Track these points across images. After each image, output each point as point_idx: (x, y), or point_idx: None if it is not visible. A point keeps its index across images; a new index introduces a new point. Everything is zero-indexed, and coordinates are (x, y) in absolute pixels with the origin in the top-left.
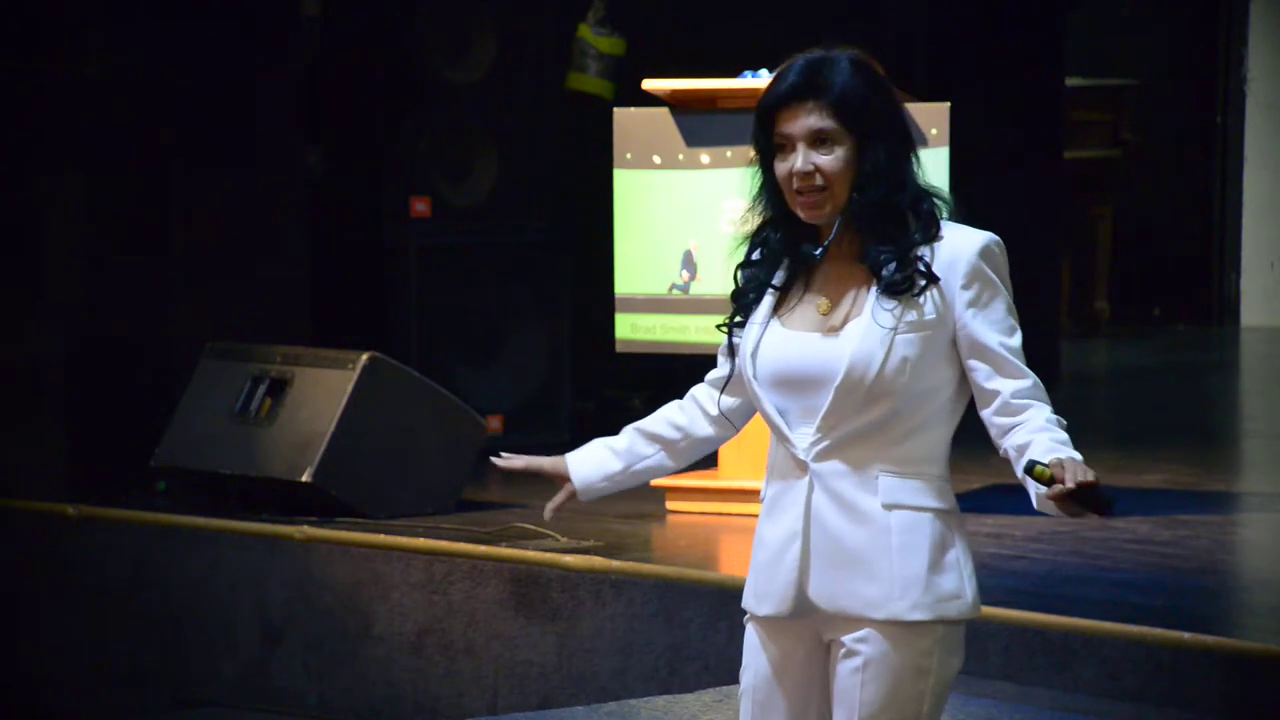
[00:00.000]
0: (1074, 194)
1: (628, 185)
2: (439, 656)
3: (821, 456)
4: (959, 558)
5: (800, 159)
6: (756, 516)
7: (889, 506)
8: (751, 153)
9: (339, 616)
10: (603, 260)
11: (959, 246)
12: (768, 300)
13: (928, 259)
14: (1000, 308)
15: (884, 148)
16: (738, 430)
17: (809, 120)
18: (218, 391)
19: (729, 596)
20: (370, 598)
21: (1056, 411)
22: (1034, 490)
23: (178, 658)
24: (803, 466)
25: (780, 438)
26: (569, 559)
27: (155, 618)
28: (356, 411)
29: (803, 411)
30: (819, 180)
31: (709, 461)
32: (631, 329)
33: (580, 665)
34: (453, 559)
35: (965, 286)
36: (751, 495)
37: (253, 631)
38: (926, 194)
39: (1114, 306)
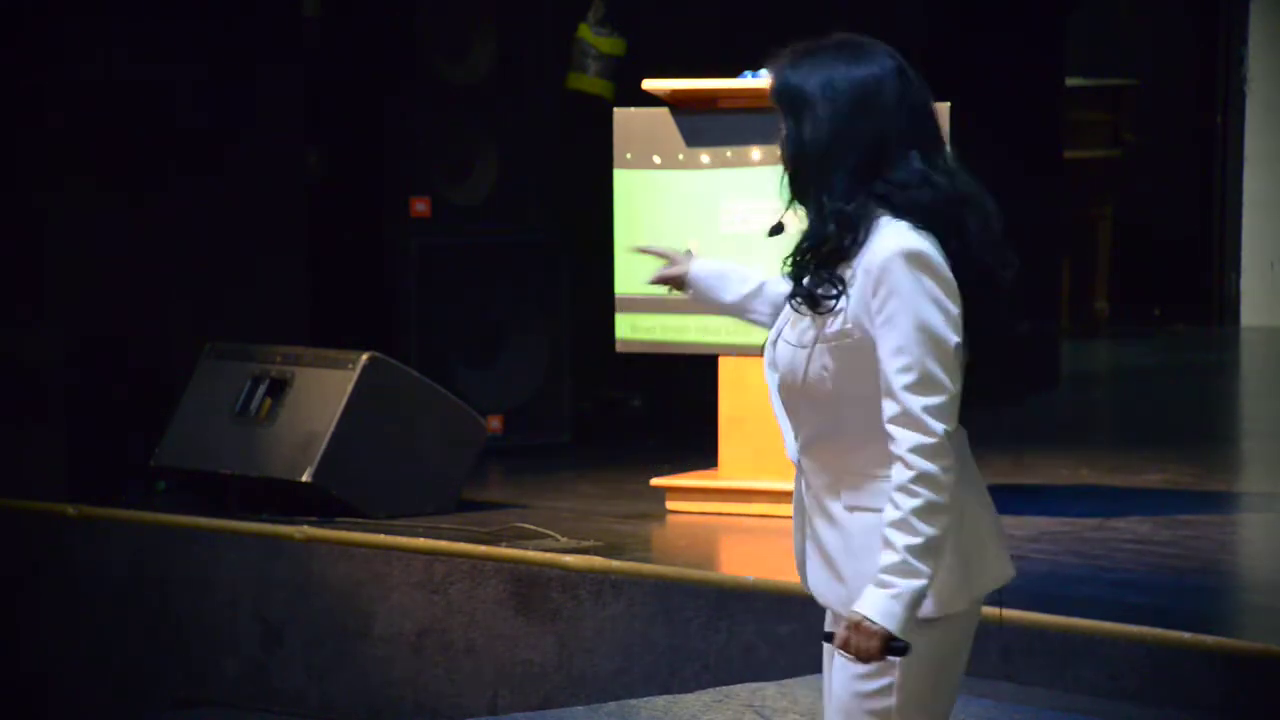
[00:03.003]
0: (1074, 194)
1: (628, 185)
2: (439, 656)
3: (801, 453)
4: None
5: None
6: (756, 516)
7: (850, 508)
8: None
9: (339, 616)
10: (603, 260)
11: (873, 253)
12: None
13: (849, 266)
14: (899, 322)
15: (798, 135)
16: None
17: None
18: (218, 391)
19: (729, 596)
20: (370, 598)
21: (1056, 413)
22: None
23: (178, 658)
24: (795, 459)
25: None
26: (569, 559)
27: (155, 618)
28: (356, 411)
29: (786, 412)
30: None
31: (709, 461)
32: (631, 329)
33: (580, 665)
34: (453, 559)
35: (874, 295)
36: (751, 495)
37: (253, 631)
38: (851, 190)
39: (1114, 306)
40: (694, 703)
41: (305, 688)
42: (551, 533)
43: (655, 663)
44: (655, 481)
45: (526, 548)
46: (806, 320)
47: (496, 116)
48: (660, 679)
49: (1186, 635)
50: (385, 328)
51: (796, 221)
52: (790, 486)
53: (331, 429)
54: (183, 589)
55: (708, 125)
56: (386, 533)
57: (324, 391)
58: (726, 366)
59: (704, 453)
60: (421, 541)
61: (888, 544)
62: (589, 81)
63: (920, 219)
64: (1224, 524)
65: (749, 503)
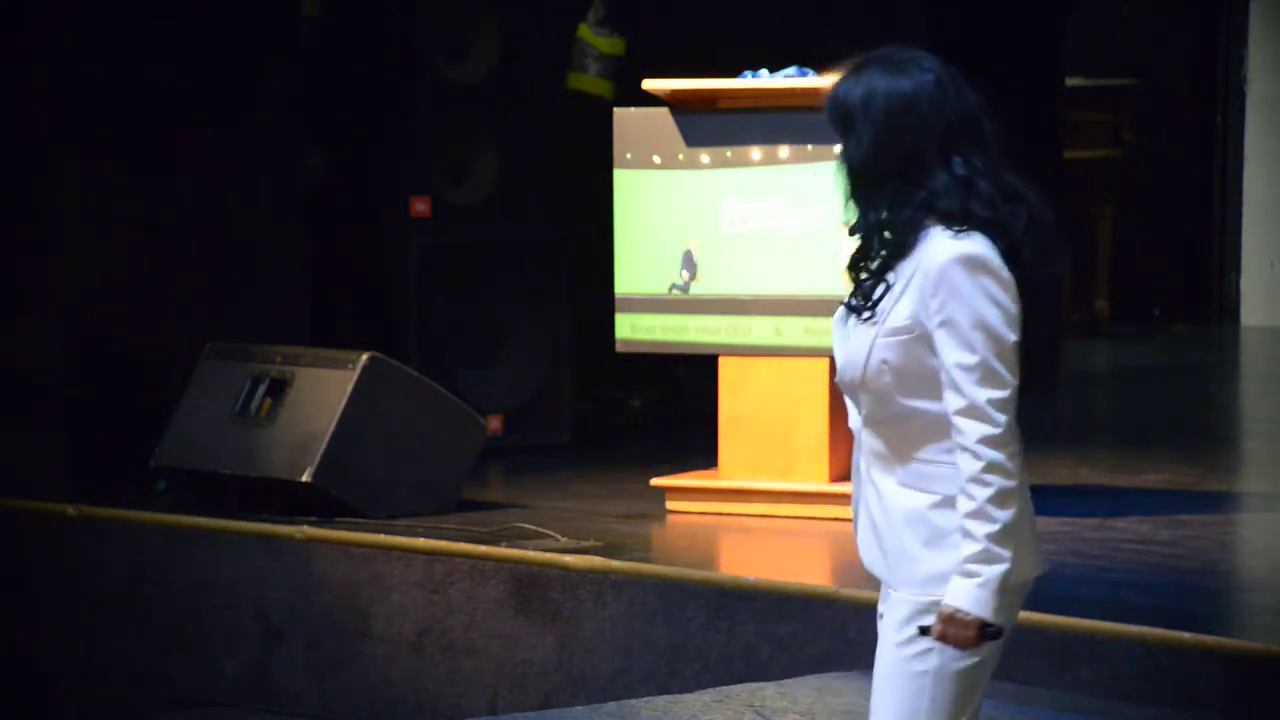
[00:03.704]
0: (1074, 194)
1: (628, 185)
2: (439, 656)
3: (864, 428)
4: (959, 541)
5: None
6: (756, 516)
7: (901, 485)
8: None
9: (339, 616)
10: (603, 260)
11: (933, 256)
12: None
13: (905, 264)
14: (962, 320)
15: (852, 149)
16: None
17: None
18: (218, 391)
19: (729, 596)
20: (370, 598)
21: (1057, 413)
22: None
23: (178, 658)
24: (858, 432)
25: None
26: (569, 559)
27: (155, 618)
28: (356, 411)
29: (846, 389)
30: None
31: (709, 461)
32: (631, 329)
33: (580, 665)
34: (453, 559)
35: (933, 296)
36: (751, 495)
37: (253, 631)
38: (903, 197)
39: (1114, 306)
40: (694, 703)
41: (305, 688)
42: (551, 533)
43: (655, 663)
44: (655, 481)
45: (526, 548)
46: (862, 318)
47: (496, 116)
48: (660, 679)
49: (1186, 635)
50: (385, 328)
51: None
52: (790, 486)
53: (331, 429)
54: (183, 589)
55: (708, 125)
56: (386, 533)
57: (324, 391)
58: (726, 366)
59: (704, 453)
60: (421, 541)
61: (968, 534)
62: (589, 81)
63: (966, 223)
64: (1224, 524)
65: (749, 503)
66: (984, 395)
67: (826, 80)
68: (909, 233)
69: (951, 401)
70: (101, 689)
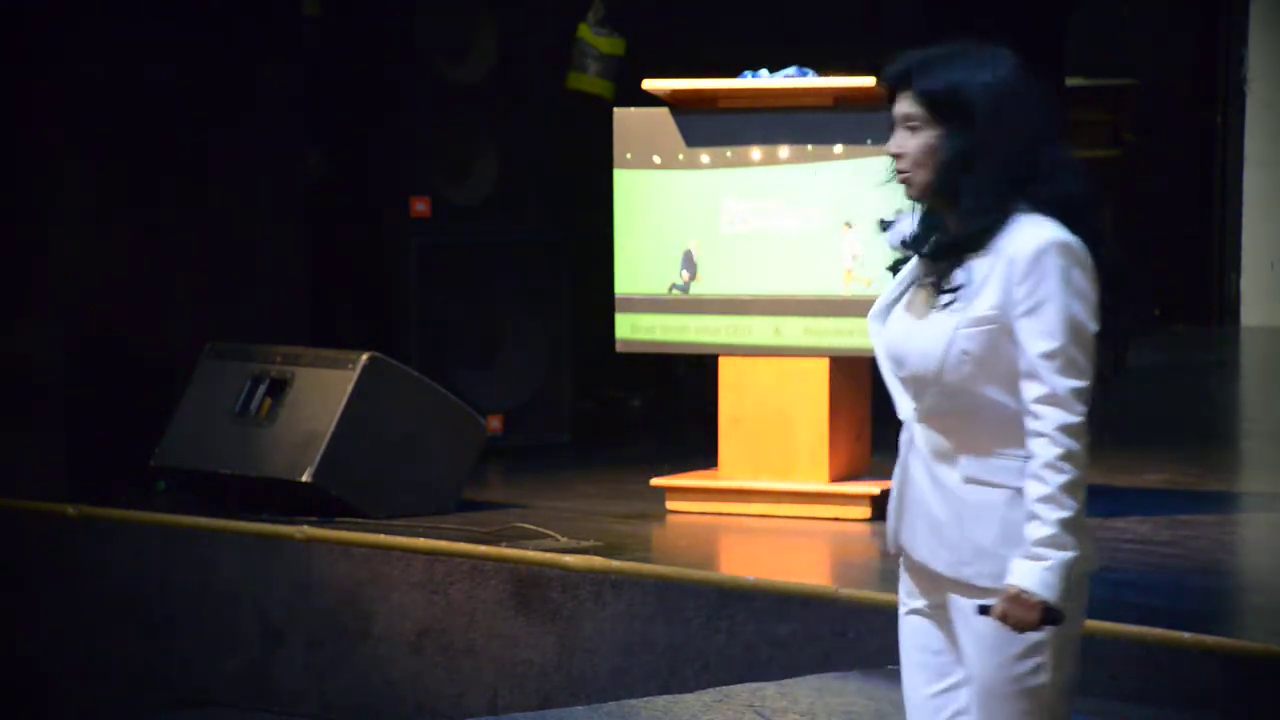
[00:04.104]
0: None
1: (628, 185)
2: (439, 656)
3: (919, 421)
4: (1028, 526)
5: (893, 141)
6: (756, 516)
7: (967, 480)
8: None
9: (339, 616)
10: (603, 260)
11: (1023, 243)
12: (905, 275)
13: (987, 255)
14: (1048, 309)
15: (958, 136)
16: None
17: (901, 107)
18: (218, 391)
19: (729, 596)
20: (370, 598)
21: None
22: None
23: (178, 658)
24: (908, 424)
25: (893, 397)
26: (569, 559)
27: (155, 618)
28: (356, 411)
29: (906, 383)
30: (904, 163)
31: (709, 461)
32: (631, 329)
33: (580, 665)
34: (453, 559)
35: (1020, 283)
36: (751, 495)
37: (253, 631)
38: (1002, 184)
39: None
40: (694, 703)
41: (305, 688)
42: (551, 533)
43: (655, 663)
44: (655, 481)
45: (526, 548)
46: (943, 306)
47: (496, 116)
48: (660, 679)
49: (1186, 635)
50: (385, 328)
51: (904, 217)
52: (790, 486)
53: (331, 429)
54: (183, 589)
55: (708, 125)
56: (386, 533)
57: (324, 391)
58: (726, 366)
59: (704, 453)
60: (421, 541)
61: (1037, 518)
62: (589, 81)
63: (1056, 212)
64: (1224, 524)
65: (749, 503)
66: (1065, 384)
67: (826, 81)
68: (1001, 221)
69: (1031, 389)
70: (101, 689)
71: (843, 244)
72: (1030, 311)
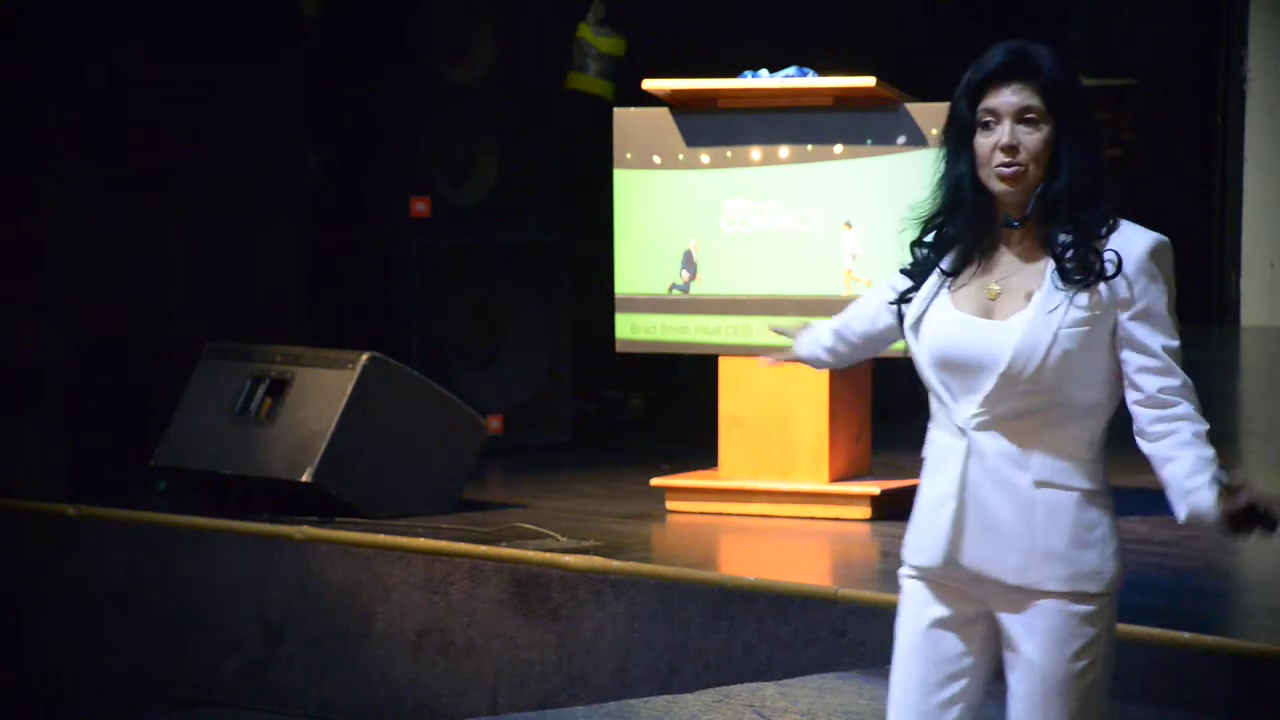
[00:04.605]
0: None
1: (628, 185)
2: (439, 656)
3: (980, 429)
4: (1103, 536)
5: (1007, 133)
6: (756, 516)
7: (1038, 484)
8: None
9: (339, 616)
10: (603, 260)
11: (1130, 243)
12: (934, 279)
13: (1105, 251)
14: (1161, 308)
15: (1081, 136)
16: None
17: (1018, 98)
18: (218, 391)
19: (729, 596)
20: (370, 598)
21: None
22: (1197, 505)
23: (178, 658)
24: (963, 433)
25: (943, 406)
26: (569, 559)
27: (155, 618)
28: (356, 411)
29: (965, 386)
30: (1021, 156)
31: (709, 461)
32: (631, 329)
33: (580, 665)
34: (453, 559)
35: (1134, 282)
36: (751, 495)
37: (253, 631)
38: (1110, 189)
39: None
40: (694, 703)
41: (305, 688)
42: (551, 533)
43: (655, 663)
44: (655, 481)
45: (526, 548)
46: (1036, 306)
47: (496, 116)
48: (660, 679)
49: (1186, 635)
50: (385, 328)
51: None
52: (790, 486)
53: (331, 429)
54: (183, 589)
55: (708, 125)
56: (386, 533)
57: (324, 391)
58: (726, 366)
59: (704, 453)
60: (421, 541)
61: (1206, 447)
62: (589, 81)
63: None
64: None
65: (749, 503)
66: (1186, 376)
67: (826, 81)
68: (1106, 223)
69: (1162, 380)
70: (101, 689)
71: (843, 244)
72: (1147, 310)
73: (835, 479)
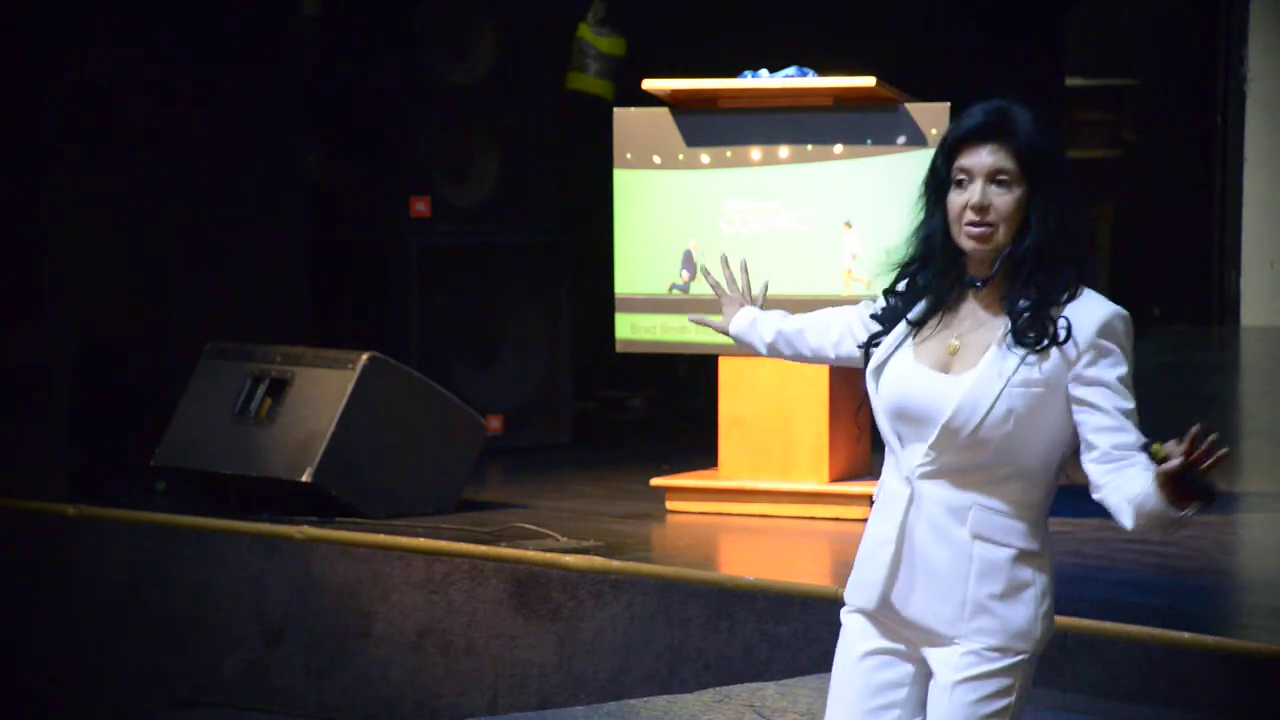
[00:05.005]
0: None
1: (628, 185)
2: (439, 656)
3: (924, 478)
4: (1035, 595)
5: (978, 193)
6: (756, 516)
7: (975, 537)
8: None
9: (339, 616)
10: (603, 260)
11: (1086, 313)
12: (901, 328)
13: (1061, 318)
14: (1112, 378)
15: (1051, 198)
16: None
17: (992, 159)
18: (218, 391)
19: (729, 596)
20: (370, 598)
21: None
22: (1140, 488)
23: (178, 658)
24: (908, 481)
25: (891, 453)
26: (569, 559)
27: (155, 618)
28: (356, 411)
29: (914, 436)
30: (991, 216)
31: (709, 461)
32: (631, 329)
33: (580, 665)
34: (453, 559)
35: (1087, 350)
36: (751, 495)
37: (253, 631)
38: (1079, 256)
39: None
40: (694, 703)
41: (305, 688)
42: (551, 533)
43: (655, 663)
44: (655, 481)
45: (526, 548)
46: (986, 363)
47: (496, 116)
48: (660, 679)
49: (1186, 635)
50: (385, 328)
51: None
52: (790, 486)
53: (331, 429)
54: (183, 589)
55: (708, 125)
56: (386, 533)
57: (324, 391)
58: (726, 366)
59: (704, 453)
60: (421, 541)
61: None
62: (589, 81)
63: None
64: (1224, 524)
65: (749, 503)
66: (1140, 434)
67: (826, 81)
68: (1067, 289)
69: (1121, 437)
70: (101, 689)
71: (843, 244)
72: (1101, 377)
73: (835, 479)
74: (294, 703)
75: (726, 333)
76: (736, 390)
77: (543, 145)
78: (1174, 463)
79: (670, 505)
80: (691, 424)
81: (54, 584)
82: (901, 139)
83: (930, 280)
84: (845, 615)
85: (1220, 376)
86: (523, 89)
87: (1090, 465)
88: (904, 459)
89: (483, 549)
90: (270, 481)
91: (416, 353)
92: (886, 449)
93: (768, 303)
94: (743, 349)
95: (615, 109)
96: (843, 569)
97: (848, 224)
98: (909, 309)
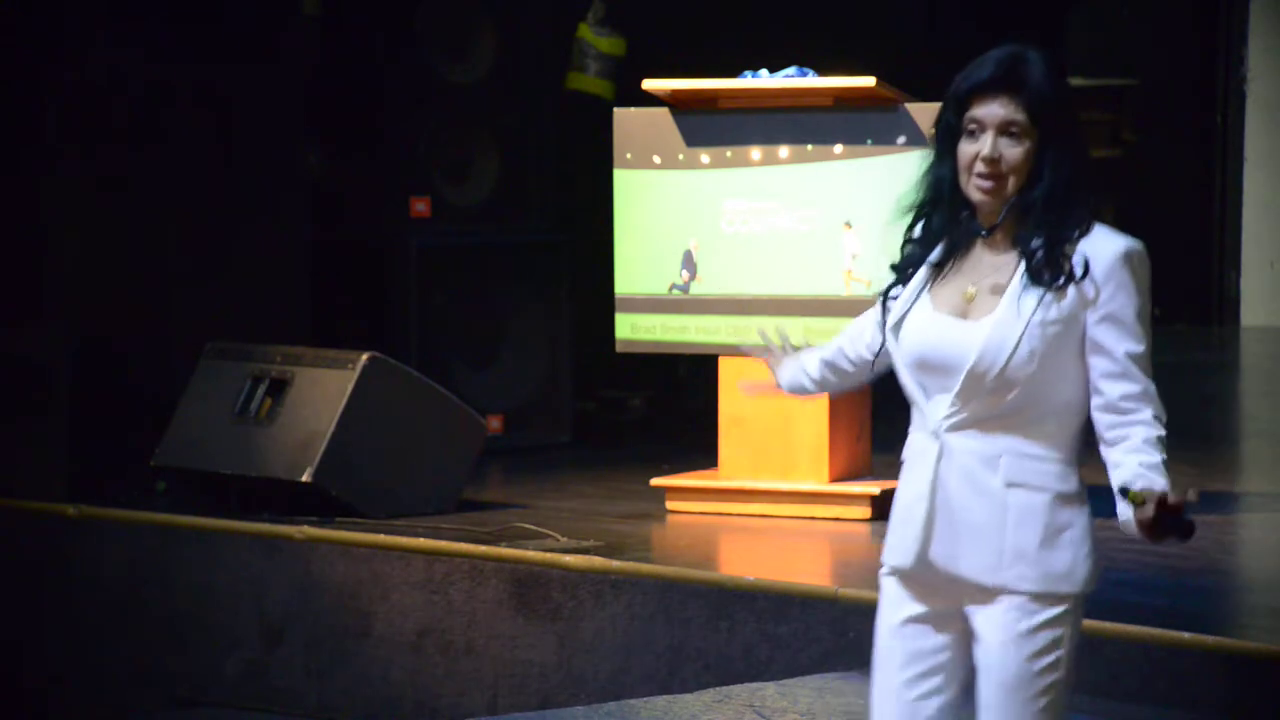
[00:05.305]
0: None
1: (628, 185)
2: (439, 656)
3: (952, 429)
4: (1076, 538)
5: (989, 145)
6: (756, 516)
7: (1009, 485)
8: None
9: (339, 616)
10: (603, 260)
11: (1100, 247)
12: (920, 275)
13: (1075, 254)
14: (1128, 314)
15: (1062, 147)
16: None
17: (1003, 111)
18: (218, 391)
19: (729, 596)
20: (370, 598)
21: None
22: (1122, 513)
23: (178, 658)
24: (935, 435)
25: (916, 408)
26: (569, 559)
27: (155, 618)
28: (356, 411)
29: (939, 387)
30: (1001, 167)
31: (709, 461)
32: (631, 329)
33: (580, 665)
34: (453, 559)
35: (1103, 285)
36: (751, 495)
37: (253, 631)
38: (1088, 193)
39: None
40: (694, 703)
41: (305, 688)
42: (551, 533)
43: (655, 663)
44: (655, 481)
45: (526, 548)
46: (1005, 306)
47: (496, 116)
48: (660, 679)
49: (1186, 635)
50: (385, 328)
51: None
52: (790, 486)
53: (331, 429)
54: (183, 589)
55: (708, 125)
56: (386, 533)
57: (324, 391)
58: (726, 366)
59: (704, 453)
60: (421, 541)
61: (1157, 468)
62: (589, 81)
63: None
64: (1224, 524)
65: (749, 503)
66: (1150, 382)
67: (826, 81)
68: (1078, 227)
69: (1122, 386)
70: (101, 689)
71: (843, 244)
72: (1114, 314)
73: (835, 479)
74: (294, 703)
75: (783, 391)
76: (736, 390)
77: (543, 145)
78: (1149, 510)
79: (670, 505)
80: (691, 424)
81: (54, 584)
82: (901, 139)
83: (944, 223)
84: (883, 578)
85: (1220, 376)
86: (523, 89)
87: (1096, 414)
88: (930, 412)
89: (483, 549)
90: (270, 481)
91: (416, 353)
92: (912, 407)
93: (767, 303)
94: (798, 394)
95: (615, 109)
96: (843, 569)
97: (848, 224)
98: (928, 251)
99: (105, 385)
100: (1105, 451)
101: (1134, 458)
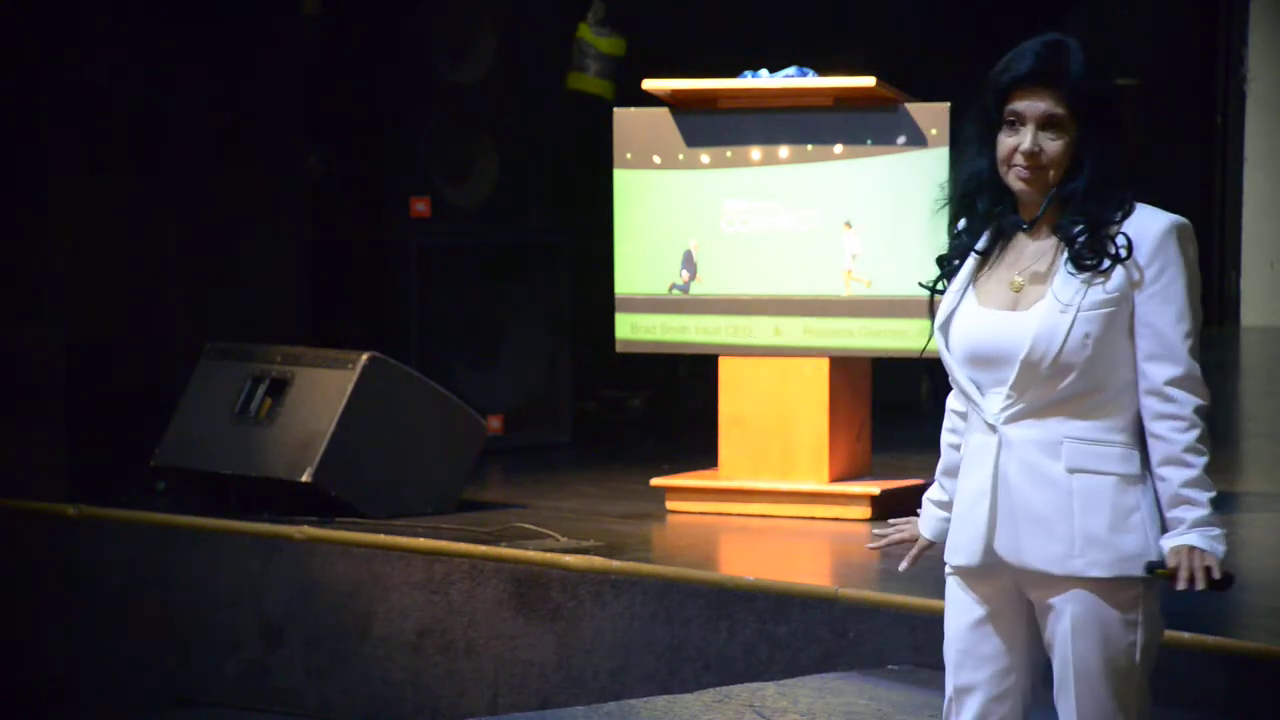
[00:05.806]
0: None
1: (628, 185)
2: (439, 656)
3: (1009, 421)
4: (1143, 519)
5: (1029, 139)
6: (756, 516)
7: (1072, 471)
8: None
9: (339, 616)
10: (603, 260)
11: (1146, 225)
12: (967, 266)
13: (1119, 236)
14: (1177, 290)
15: (1102, 138)
16: None
17: (1044, 104)
18: (218, 391)
19: (729, 596)
20: (370, 598)
21: None
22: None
23: (178, 658)
24: (993, 429)
25: (972, 404)
26: (569, 559)
27: (155, 618)
28: (356, 411)
29: (993, 380)
30: (1042, 160)
31: (709, 461)
32: (631, 329)
33: (580, 665)
34: (453, 559)
35: (1148, 264)
36: (751, 495)
37: (253, 631)
38: (1128, 177)
39: None
40: (694, 703)
41: (305, 688)
42: (551, 533)
43: (655, 663)
44: (655, 481)
45: (526, 548)
46: (1053, 292)
47: (496, 116)
48: (660, 679)
49: (1186, 635)
50: (385, 328)
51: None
52: (790, 486)
53: (331, 429)
54: (183, 589)
55: (708, 125)
56: (386, 533)
57: (324, 391)
58: (726, 366)
59: (704, 453)
60: (421, 541)
61: (1189, 502)
62: (589, 81)
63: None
64: (1224, 524)
65: (749, 503)
66: (1196, 367)
67: (826, 81)
68: (1120, 209)
69: (1163, 370)
70: (101, 689)
71: (843, 244)
72: (1159, 293)
73: (835, 479)
74: (294, 703)
75: (935, 541)
76: (736, 390)
77: (543, 145)
78: (1179, 584)
79: (670, 505)
80: (691, 424)
81: (54, 584)
82: (901, 139)
83: (985, 215)
84: (948, 578)
85: (1220, 376)
86: (523, 89)
87: (1143, 398)
88: (986, 407)
89: (483, 549)
90: (270, 481)
91: (416, 353)
92: (967, 404)
93: (767, 303)
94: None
95: (615, 109)
96: (843, 569)
97: (848, 224)
98: (972, 243)
99: (105, 385)
100: (1150, 444)
101: (1177, 474)
